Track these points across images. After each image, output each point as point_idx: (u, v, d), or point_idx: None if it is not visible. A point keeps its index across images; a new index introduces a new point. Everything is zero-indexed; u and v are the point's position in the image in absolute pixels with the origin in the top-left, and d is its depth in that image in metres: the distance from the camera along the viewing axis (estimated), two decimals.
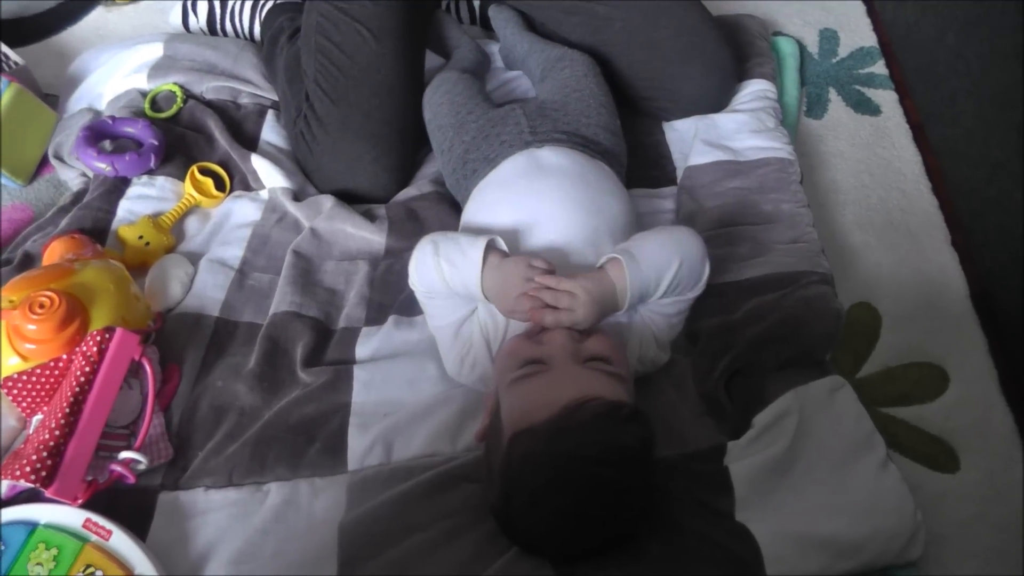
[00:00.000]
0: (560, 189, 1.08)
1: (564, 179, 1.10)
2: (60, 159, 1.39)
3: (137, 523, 0.99)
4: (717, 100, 1.34)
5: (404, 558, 0.93)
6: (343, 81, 1.27)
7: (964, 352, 1.15)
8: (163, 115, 1.40)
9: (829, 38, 1.57)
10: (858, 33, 1.57)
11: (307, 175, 1.35)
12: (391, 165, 1.31)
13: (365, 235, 1.25)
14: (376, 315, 1.18)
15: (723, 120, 1.33)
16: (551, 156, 1.13)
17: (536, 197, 1.08)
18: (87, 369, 1.00)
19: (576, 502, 0.85)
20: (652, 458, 0.90)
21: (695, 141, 1.31)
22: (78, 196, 1.33)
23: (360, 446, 1.04)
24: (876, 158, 1.37)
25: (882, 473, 0.96)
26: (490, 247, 1.00)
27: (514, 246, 1.04)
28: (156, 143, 1.32)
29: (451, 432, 1.05)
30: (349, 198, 1.32)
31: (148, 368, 1.04)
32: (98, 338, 1.02)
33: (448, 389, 1.09)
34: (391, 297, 1.19)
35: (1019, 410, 1.10)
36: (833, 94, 1.47)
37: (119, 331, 1.04)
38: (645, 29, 1.30)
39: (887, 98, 1.46)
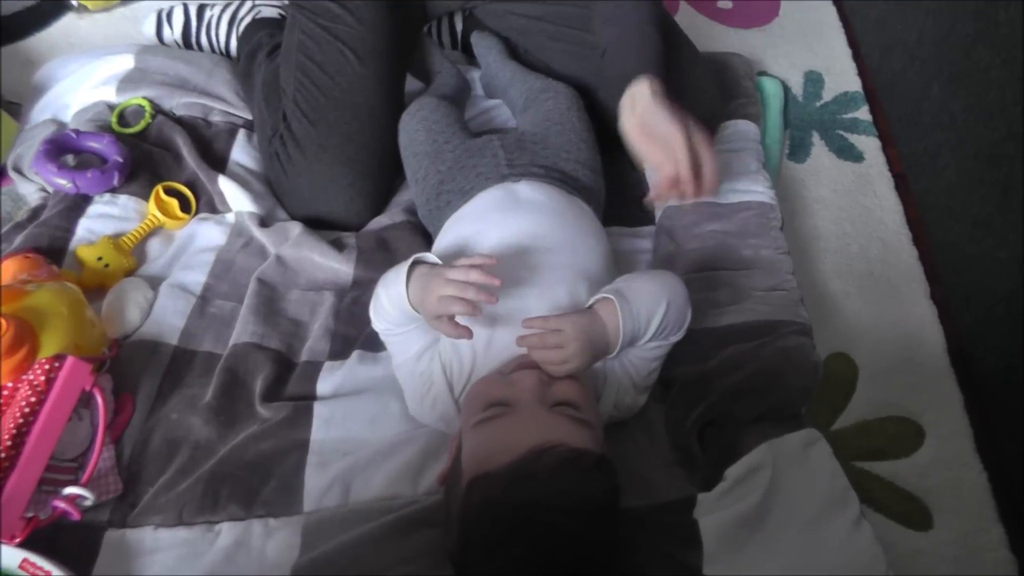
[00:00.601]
0: (535, 225, 1.05)
1: (540, 215, 1.07)
2: (19, 172, 1.33)
3: (80, 562, 0.94)
4: None
5: None
6: (323, 102, 1.24)
7: (940, 408, 1.13)
8: (130, 130, 1.36)
9: (814, 80, 1.56)
10: (843, 77, 1.56)
11: (278, 198, 1.31)
12: (367, 191, 1.28)
13: (332, 265, 1.21)
14: (340, 348, 1.14)
15: None
16: (528, 191, 1.10)
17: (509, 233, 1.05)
18: (33, 400, 0.95)
19: (535, 553, 0.81)
20: (617, 509, 0.87)
21: None
22: (36, 212, 1.28)
23: (317, 486, 1.00)
24: (857, 206, 1.36)
25: (855, 531, 0.93)
26: (418, 261, 0.97)
27: None
28: (121, 160, 1.27)
29: (412, 474, 1.01)
30: (320, 224, 1.29)
31: (99, 399, 1.00)
32: (47, 367, 0.98)
33: (411, 429, 1.05)
34: (356, 330, 1.15)
35: (994, 469, 1.08)
36: (816, 138, 1.46)
37: (70, 360, 0.99)
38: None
39: (870, 145, 1.45)
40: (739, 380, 1.03)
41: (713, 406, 1.02)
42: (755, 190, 1.26)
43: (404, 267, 0.97)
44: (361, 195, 1.28)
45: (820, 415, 1.12)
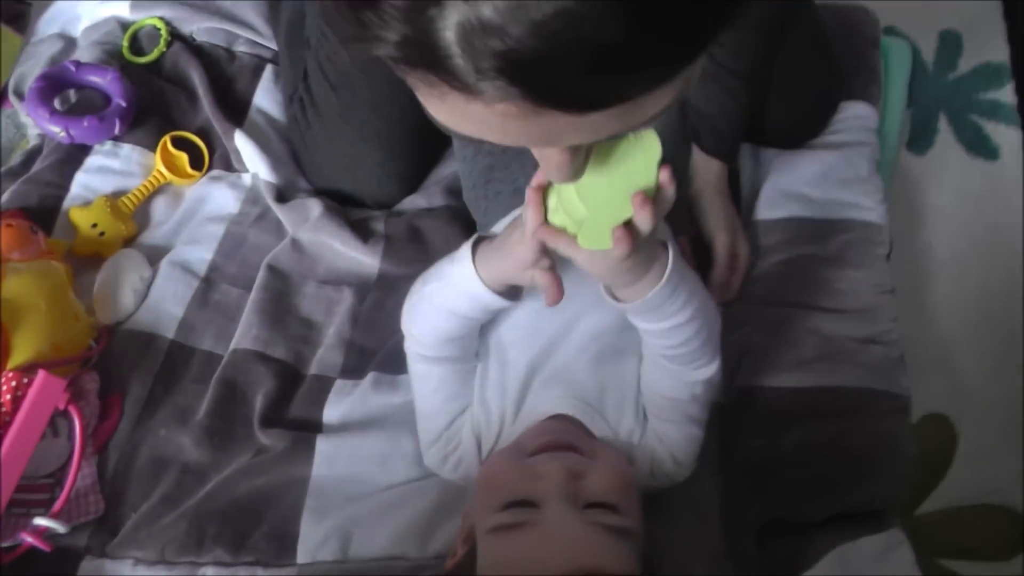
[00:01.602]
0: None
1: None
2: (21, 96, 1.18)
3: None
4: (808, 131, 1.10)
5: None
6: (348, 61, 1.04)
7: None
8: (142, 60, 1.18)
9: (950, 44, 1.29)
10: (988, 42, 1.28)
11: (299, 165, 1.14)
12: (398, 172, 1.11)
13: (356, 256, 1.05)
14: (355, 363, 1.00)
15: (806, 160, 1.08)
16: None
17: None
18: None
19: None
20: None
21: (766, 185, 1.07)
22: (31, 156, 1.13)
23: (314, 536, 0.89)
24: (983, 221, 1.13)
25: None
26: (479, 240, 0.78)
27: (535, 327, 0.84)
28: (124, 104, 1.10)
29: (421, 532, 0.89)
30: (346, 198, 1.13)
31: (76, 420, 0.88)
32: (14, 383, 0.87)
33: (423, 475, 0.92)
34: (376, 342, 1.01)
35: None
36: (944, 123, 1.22)
37: (41, 375, 0.87)
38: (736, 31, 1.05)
39: (1010, 139, 1.20)
40: (816, 475, 0.87)
41: (780, 502, 0.86)
42: (863, 204, 1.05)
43: (464, 248, 0.78)
44: (392, 177, 1.11)
45: (902, 496, 0.95)
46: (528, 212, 0.68)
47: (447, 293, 0.79)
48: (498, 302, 0.77)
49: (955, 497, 0.96)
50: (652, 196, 0.63)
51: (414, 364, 0.89)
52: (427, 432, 0.89)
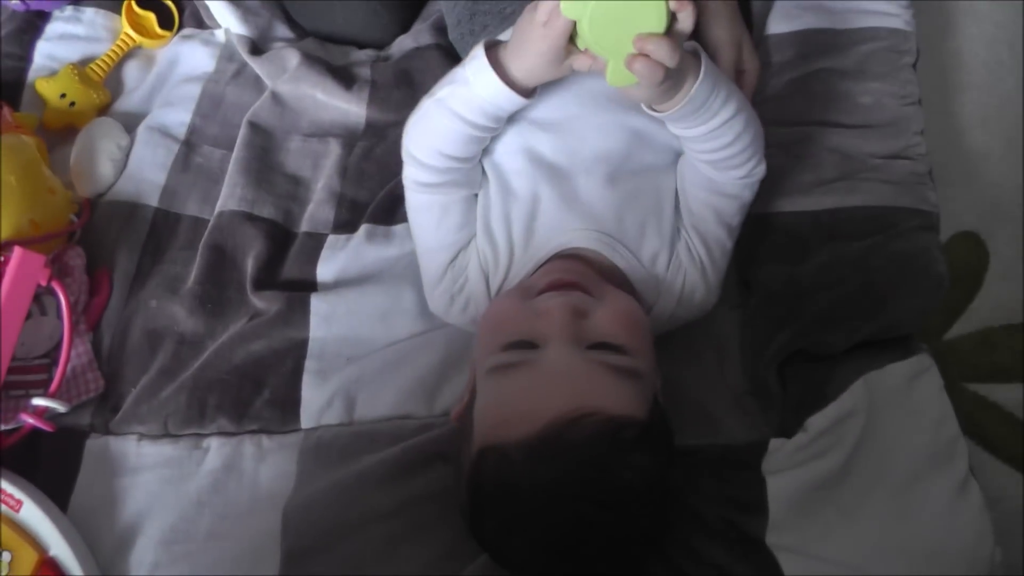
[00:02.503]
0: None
1: None
2: None
3: (61, 476, 0.85)
4: None
5: (359, 554, 0.78)
6: None
7: None
8: None
9: None
10: None
11: (284, 7, 1.08)
12: (394, 2, 1.04)
13: (339, 104, 1.00)
14: (348, 217, 0.96)
15: None
16: None
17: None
18: None
19: (557, 540, 0.68)
20: (664, 488, 0.71)
21: None
22: None
23: (317, 399, 0.87)
24: (1021, 23, 1.03)
25: (959, 499, 0.76)
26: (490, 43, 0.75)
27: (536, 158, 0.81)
28: None
29: (428, 389, 0.87)
30: (336, 40, 1.06)
31: (62, 297, 0.85)
32: None
33: (428, 328, 0.89)
34: (367, 192, 0.96)
35: None
36: None
37: (17, 252, 0.84)
38: None
39: None
40: (840, 299, 0.81)
41: (803, 332, 0.81)
42: (886, 10, 0.96)
43: (478, 49, 0.74)
44: (386, 7, 1.04)
45: (931, 319, 0.90)
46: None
47: (460, 95, 0.75)
48: (512, 100, 0.73)
49: (986, 318, 0.91)
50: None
51: (413, 195, 0.85)
52: (430, 271, 0.86)
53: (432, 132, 0.78)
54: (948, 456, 0.77)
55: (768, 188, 0.89)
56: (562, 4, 0.64)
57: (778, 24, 0.97)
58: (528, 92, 0.74)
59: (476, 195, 0.83)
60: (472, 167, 0.81)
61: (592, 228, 0.80)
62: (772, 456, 0.78)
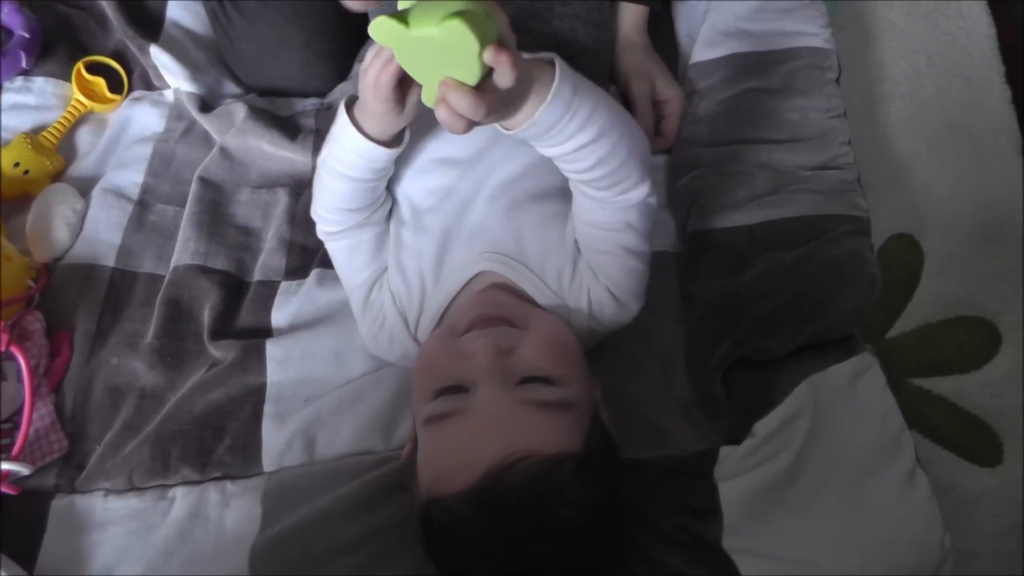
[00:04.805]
0: None
1: None
2: None
3: (27, 538, 0.85)
4: None
5: None
6: None
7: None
8: None
9: None
10: None
11: (228, 66, 1.10)
12: (326, 51, 1.06)
13: (286, 155, 1.02)
14: (298, 263, 0.98)
15: None
16: None
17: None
18: None
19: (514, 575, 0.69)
20: (611, 509, 0.72)
21: (704, 26, 1.02)
22: None
23: (277, 442, 0.88)
24: (937, 32, 1.08)
25: (908, 488, 0.78)
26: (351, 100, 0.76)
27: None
28: (27, 36, 1.06)
29: (384, 423, 0.88)
30: (279, 94, 1.09)
31: (22, 361, 0.86)
32: None
33: (381, 366, 0.91)
34: (316, 239, 0.96)
35: None
36: None
37: None
38: None
39: None
40: (778, 306, 0.83)
41: (744, 341, 0.83)
42: (806, 31, 1.00)
43: (342, 102, 0.76)
44: (319, 57, 1.06)
45: (873, 320, 0.93)
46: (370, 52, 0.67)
47: (336, 154, 0.77)
48: (379, 152, 0.75)
49: (926, 315, 0.93)
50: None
51: (327, 244, 0.89)
52: (355, 310, 0.89)
53: (326, 191, 0.82)
54: (894, 449, 0.79)
55: (703, 206, 0.92)
56: (371, 26, 0.60)
57: (703, 52, 1.01)
58: (392, 142, 0.75)
59: (385, 234, 0.86)
60: (374, 210, 0.84)
61: (492, 250, 0.81)
62: (723, 463, 0.80)
